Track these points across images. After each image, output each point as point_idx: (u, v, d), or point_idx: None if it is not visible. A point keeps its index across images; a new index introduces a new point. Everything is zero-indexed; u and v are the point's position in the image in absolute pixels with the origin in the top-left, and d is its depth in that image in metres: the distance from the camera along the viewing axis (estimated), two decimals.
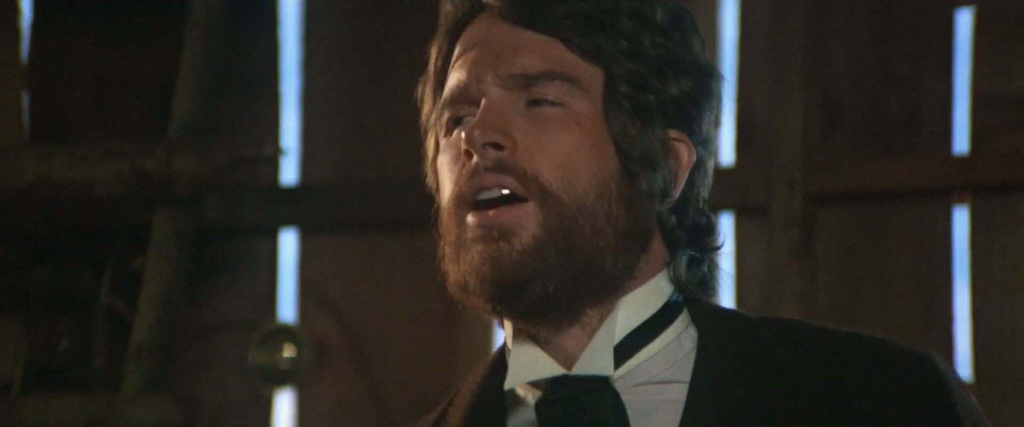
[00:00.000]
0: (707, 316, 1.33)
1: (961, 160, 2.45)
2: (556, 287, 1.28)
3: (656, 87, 1.33)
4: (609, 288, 1.31)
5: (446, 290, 2.79)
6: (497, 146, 1.30)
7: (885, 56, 2.49)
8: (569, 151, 1.30)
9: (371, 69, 2.72)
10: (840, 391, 1.27)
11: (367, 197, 2.70)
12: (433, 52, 1.38)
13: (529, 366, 1.31)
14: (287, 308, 2.71)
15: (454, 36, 1.36)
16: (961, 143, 2.46)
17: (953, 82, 2.47)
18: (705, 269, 1.35)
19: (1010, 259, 2.41)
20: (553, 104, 1.31)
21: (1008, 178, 2.41)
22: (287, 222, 2.72)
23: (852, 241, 2.48)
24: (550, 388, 1.30)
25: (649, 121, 1.32)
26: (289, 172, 2.73)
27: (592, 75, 1.32)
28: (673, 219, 1.34)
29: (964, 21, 2.46)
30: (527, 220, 1.29)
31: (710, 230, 1.35)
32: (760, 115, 2.52)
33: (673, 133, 1.34)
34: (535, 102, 1.31)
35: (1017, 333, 2.41)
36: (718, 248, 1.35)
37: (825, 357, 1.29)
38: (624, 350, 1.30)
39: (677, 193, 1.33)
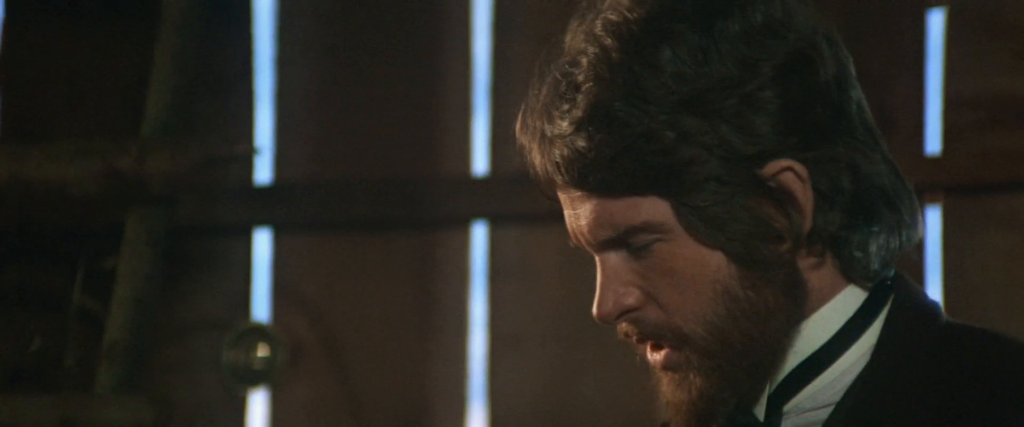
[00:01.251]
0: (895, 325, 1.31)
1: (933, 160, 2.46)
2: (738, 401, 1.31)
3: (714, 164, 1.28)
4: (788, 346, 1.31)
5: (421, 289, 2.79)
6: (627, 311, 1.31)
7: (857, 57, 2.49)
8: (682, 287, 1.29)
9: (346, 68, 2.72)
10: None
11: (342, 197, 2.69)
12: (531, 163, 1.36)
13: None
14: (261, 308, 2.71)
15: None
16: (933, 143, 2.47)
17: (925, 83, 2.47)
18: (877, 248, 1.31)
19: (982, 259, 2.42)
20: (647, 250, 1.30)
21: (980, 178, 2.42)
22: (261, 221, 2.72)
23: None
24: (731, 422, 1.34)
25: (727, 203, 1.29)
26: (263, 171, 2.73)
27: (658, 203, 1.30)
28: (821, 235, 1.30)
29: (936, 22, 2.47)
30: (689, 364, 1.31)
31: (862, 210, 1.30)
32: None
33: (770, 168, 1.29)
34: (634, 251, 1.31)
35: None
36: (879, 217, 1.30)
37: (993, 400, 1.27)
38: (797, 379, 1.31)
39: (808, 221, 1.29)
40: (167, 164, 2.43)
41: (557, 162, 1.31)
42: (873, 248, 1.32)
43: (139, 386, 2.43)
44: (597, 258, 1.33)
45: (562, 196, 1.33)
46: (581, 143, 1.30)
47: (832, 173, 1.31)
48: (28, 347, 2.64)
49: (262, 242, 2.72)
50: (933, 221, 2.45)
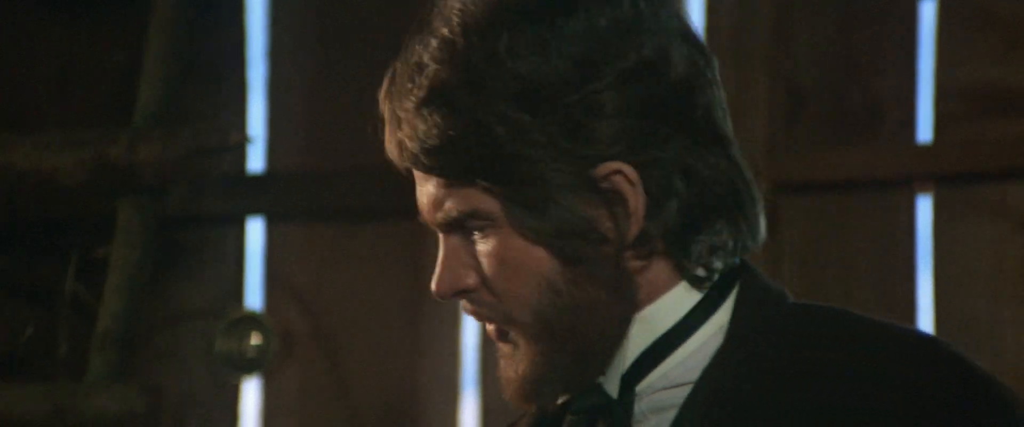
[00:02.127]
0: (743, 308, 1.33)
1: (924, 149, 2.46)
2: (566, 382, 1.33)
3: (542, 163, 1.29)
4: (618, 335, 1.33)
5: (412, 278, 2.79)
6: (461, 291, 1.34)
7: (849, 46, 2.50)
8: (509, 275, 1.32)
9: (338, 57, 2.72)
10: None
11: (334, 185, 2.69)
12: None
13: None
14: (253, 296, 2.71)
15: None
16: (924, 132, 2.48)
17: (916, 72, 2.48)
18: (717, 254, 1.32)
19: (972, 248, 2.43)
20: (479, 237, 1.33)
21: (971, 167, 2.43)
22: (253, 210, 2.72)
23: (815, 230, 2.49)
24: (587, 395, 1.35)
25: (550, 202, 1.29)
26: (255, 160, 2.73)
27: (486, 194, 1.31)
28: (657, 229, 1.32)
29: (928, 11, 2.47)
30: (517, 346, 1.33)
31: (707, 214, 1.32)
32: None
33: (601, 170, 1.29)
34: (468, 235, 1.33)
35: (979, 322, 2.42)
36: (717, 215, 1.32)
37: (839, 370, 1.28)
38: (648, 360, 1.33)
39: (636, 224, 1.30)
40: (158, 153, 2.43)
41: (401, 141, 1.33)
42: (710, 248, 1.33)
43: (131, 375, 2.43)
44: (440, 236, 1.35)
45: (415, 173, 1.35)
46: (420, 125, 1.31)
47: (664, 176, 1.31)
48: (20, 336, 2.64)
49: (254, 231, 2.73)
50: (923, 210, 2.46)
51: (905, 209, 2.47)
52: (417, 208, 1.36)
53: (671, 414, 1.32)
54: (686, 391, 1.32)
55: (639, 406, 1.33)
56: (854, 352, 1.30)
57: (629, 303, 1.32)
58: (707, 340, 1.33)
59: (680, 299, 1.33)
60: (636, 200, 1.31)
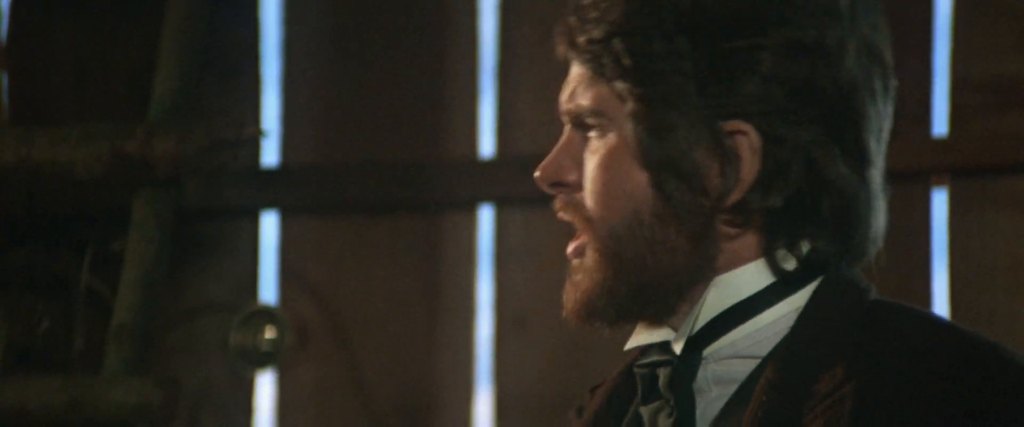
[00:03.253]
0: (822, 296, 1.33)
1: (940, 143, 2.46)
2: (619, 311, 1.35)
3: (685, 91, 1.32)
4: (684, 287, 1.34)
5: (427, 272, 2.79)
6: (555, 185, 1.37)
7: None
8: (603, 184, 1.34)
9: (353, 51, 2.72)
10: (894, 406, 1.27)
11: (348, 180, 2.69)
12: None
13: (646, 332, 1.38)
14: (268, 290, 2.72)
15: None
16: (940, 126, 2.47)
17: (932, 65, 2.47)
18: (809, 249, 1.33)
19: (989, 242, 2.42)
20: (594, 137, 1.35)
21: (987, 161, 2.42)
22: (268, 204, 2.72)
23: None
24: (654, 352, 1.38)
25: (675, 132, 1.32)
26: (270, 154, 2.73)
27: (617, 97, 1.34)
28: (759, 204, 1.33)
29: (944, 4, 2.47)
30: (589, 261, 1.36)
31: (814, 214, 1.33)
32: None
33: (729, 125, 1.32)
34: (583, 135, 1.36)
35: (995, 316, 2.42)
36: (824, 224, 1.33)
37: (905, 370, 1.29)
38: (720, 325, 1.34)
39: (740, 190, 1.32)
40: (174, 147, 2.43)
41: (569, 25, 1.36)
42: (804, 248, 1.34)
43: (147, 368, 2.44)
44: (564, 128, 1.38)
45: (569, 65, 1.38)
46: (593, 13, 1.35)
47: (786, 158, 1.32)
48: (36, 330, 2.65)
49: (269, 225, 2.73)
50: (939, 204, 2.45)
51: (921, 202, 2.46)
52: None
53: (725, 390, 1.33)
54: (746, 365, 1.33)
55: (704, 372, 1.34)
56: (923, 354, 1.30)
57: (706, 262, 1.33)
58: (780, 318, 1.33)
59: (758, 274, 1.34)
60: (750, 168, 1.32)
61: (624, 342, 1.40)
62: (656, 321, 1.36)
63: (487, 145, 2.66)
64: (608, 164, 1.34)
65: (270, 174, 2.73)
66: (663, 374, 1.35)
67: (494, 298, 2.64)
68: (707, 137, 1.32)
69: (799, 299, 1.34)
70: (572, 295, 1.37)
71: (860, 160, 1.35)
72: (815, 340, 1.32)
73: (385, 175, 2.67)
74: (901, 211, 2.47)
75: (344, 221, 2.70)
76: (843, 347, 1.31)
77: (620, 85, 1.33)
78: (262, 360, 2.67)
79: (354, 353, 2.68)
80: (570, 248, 1.37)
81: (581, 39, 1.35)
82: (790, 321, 1.34)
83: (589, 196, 1.35)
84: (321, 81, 2.73)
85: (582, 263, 1.36)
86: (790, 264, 1.34)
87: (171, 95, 2.49)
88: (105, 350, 2.45)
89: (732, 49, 1.31)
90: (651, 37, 1.32)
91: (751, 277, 1.34)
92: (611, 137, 1.34)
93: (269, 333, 2.66)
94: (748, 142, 1.32)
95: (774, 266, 1.34)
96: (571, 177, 1.36)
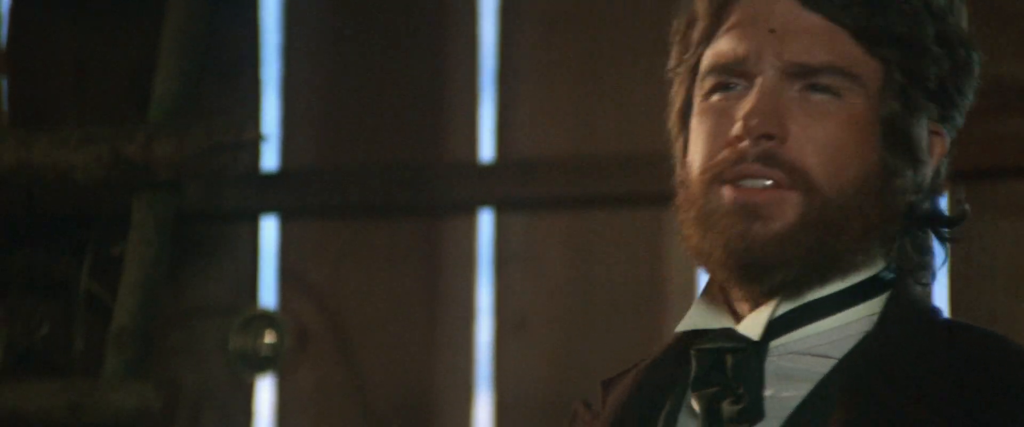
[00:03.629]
0: (899, 307, 1.34)
1: None
2: (796, 276, 1.33)
3: (930, 79, 1.35)
4: (837, 272, 1.34)
5: (427, 276, 2.78)
6: (770, 136, 1.33)
7: None
8: (839, 146, 1.33)
9: (352, 54, 2.72)
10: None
11: (348, 183, 2.69)
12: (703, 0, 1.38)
13: (704, 315, 1.36)
14: (268, 294, 2.72)
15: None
16: None
17: None
18: (926, 255, 1.36)
19: (989, 246, 2.42)
20: (830, 95, 1.33)
21: (989, 164, 2.42)
22: (268, 208, 2.72)
23: None
24: (708, 339, 1.35)
25: (919, 116, 1.34)
26: (270, 157, 2.73)
27: (871, 68, 1.34)
28: (924, 207, 1.36)
29: None
30: (788, 207, 1.32)
31: (954, 218, 1.38)
32: None
33: (933, 125, 1.36)
34: (812, 89, 1.34)
35: (996, 320, 2.42)
36: (947, 238, 1.38)
37: (989, 391, 1.30)
38: (792, 319, 1.33)
39: (928, 185, 1.36)
40: (174, 150, 2.43)
41: None
42: (916, 253, 1.38)
43: (147, 371, 2.44)
44: (757, 81, 1.34)
45: (769, 10, 1.34)
46: None
47: (944, 166, 1.39)
48: (36, 332, 2.65)
49: (269, 228, 2.73)
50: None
51: None
52: (730, 52, 1.33)
53: (796, 387, 1.31)
54: (818, 364, 1.32)
55: (768, 365, 1.32)
56: (999, 378, 1.32)
57: (875, 244, 1.33)
58: (854, 322, 1.33)
59: (872, 269, 1.33)
60: (932, 168, 1.37)
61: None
62: (752, 299, 1.33)
63: (487, 148, 2.66)
64: (851, 131, 1.32)
65: (270, 177, 2.73)
66: (731, 359, 1.32)
67: (494, 301, 2.64)
68: (926, 130, 1.35)
69: (874, 305, 1.34)
70: (745, 244, 1.31)
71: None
72: (891, 352, 1.31)
73: (385, 178, 2.67)
74: None
75: (344, 224, 2.70)
76: (922, 366, 1.31)
77: (887, 53, 1.33)
78: (262, 363, 2.67)
79: (354, 356, 2.68)
80: (745, 196, 1.31)
81: (867, 6, 1.33)
82: (865, 326, 1.33)
83: (821, 155, 1.31)
84: (321, 84, 2.73)
85: (768, 212, 1.30)
86: (881, 268, 1.34)
87: (171, 98, 2.49)
88: (105, 353, 2.44)
89: (963, 58, 1.38)
90: (920, 19, 1.34)
91: (864, 268, 1.34)
92: (858, 102, 1.33)
93: (269, 336, 2.66)
94: (941, 142, 1.37)
95: (895, 258, 1.34)
96: (783, 129, 1.32)
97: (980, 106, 2.49)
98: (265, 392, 2.70)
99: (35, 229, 2.72)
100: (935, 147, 1.36)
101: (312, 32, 2.74)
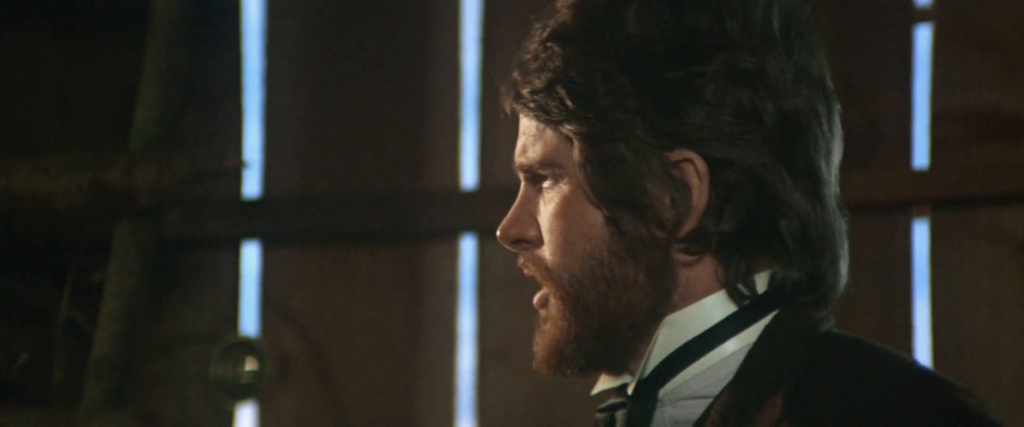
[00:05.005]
0: (772, 332, 1.33)
1: (921, 174, 2.46)
2: (587, 357, 1.35)
3: (630, 127, 1.33)
4: (643, 327, 1.34)
5: (409, 303, 2.78)
6: (519, 240, 1.37)
7: (845, 71, 2.51)
8: (559, 232, 1.35)
9: (334, 82, 2.72)
10: None
11: (330, 210, 2.69)
12: None
13: (606, 378, 1.39)
14: (249, 321, 2.71)
15: None
16: (921, 157, 2.48)
17: (913, 97, 2.48)
18: (769, 277, 1.33)
19: (970, 273, 2.43)
20: (547, 188, 1.36)
21: (968, 192, 2.43)
22: (249, 235, 2.72)
23: None
24: (602, 399, 1.39)
25: (624, 166, 1.33)
26: (252, 185, 2.73)
27: (565, 144, 1.35)
28: (713, 229, 1.33)
29: (923, 37, 2.48)
30: (554, 309, 1.37)
31: (768, 236, 1.33)
32: None
33: (675, 155, 1.33)
34: (537, 187, 1.37)
35: (977, 348, 2.42)
36: (785, 247, 1.32)
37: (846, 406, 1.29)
38: (671, 366, 1.34)
39: (692, 216, 1.32)
40: (155, 177, 2.43)
41: (514, 80, 1.38)
42: (762, 271, 1.34)
43: (126, 400, 2.43)
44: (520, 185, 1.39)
45: (516, 120, 1.39)
46: (533, 64, 1.37)
47: (735, 181, 1.33)
48: (15, 361, 2.64)
49: (250, 255, 2.72)
50: (920, 235, 2.46)
51: (902, 234, 2.47)
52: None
53: (681, 424, 1.33)
54: (704, 406, 1.33)
55: (661, 415, 1.34)
56: (863, 391, 1.30)
57: (664, 296, 1.34)
58: (731, 355, 1.33)
59: (713, 308, 1.34)
60: (700, 194, 1.33)
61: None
62: (620, 365, 1.36)
63: (469, 176, 2.66)
64: (563, 210, 1.35)
65: (251, 204, 2.73)
66: (620, 418, 1.36)
67: (476, 329, 2.64)
68: (656, 168, 1.33)
69: (751, 334, 1.34)
70: (541, 345, 1.37)
71: (812, 182, 1.34)
72: (759, 377, 1.32)
73: (367, 205, 2.67)
74: (882, 242, 2.48)
75: (326, 252, 2.70)
76: (783, 383, 1.31)
77: (566, 128, 1.34)
78: (243, 392, 2.66)
79: (335, 384, 2.68)
80: (536, 299, 1.38)
81: (525, 91, 1.36)
82: (741, 358, 1.33)
83: (548, 245, 1.35)
84: (303, 111, 2.73)
85: (548, 313, 1.37)
86: (745, 292, 1.33)
87: (152, 125, 2.49)
88: (84, 382, 2.43)
89: (672, 80, 1.32)
90: (592, 78, 1.33)
91: (705, 311, 1.34)
92: (564, 184, 1.35)
93: (250, 365, 2.65)
94: (694, 169, 1.33)
95: (732, 296, 1.33)
96: (531, 233, 1.37)
97: (960, 135, 2.51)
98: (246, 421, 2.70)
99: (15, 256, 2.71)
100: (687, 175, 1.32)
101: (294, 60, 2.74)
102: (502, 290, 2.63)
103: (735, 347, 1.33)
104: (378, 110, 2.70)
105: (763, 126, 1.33)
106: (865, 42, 2.50)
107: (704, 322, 1.34)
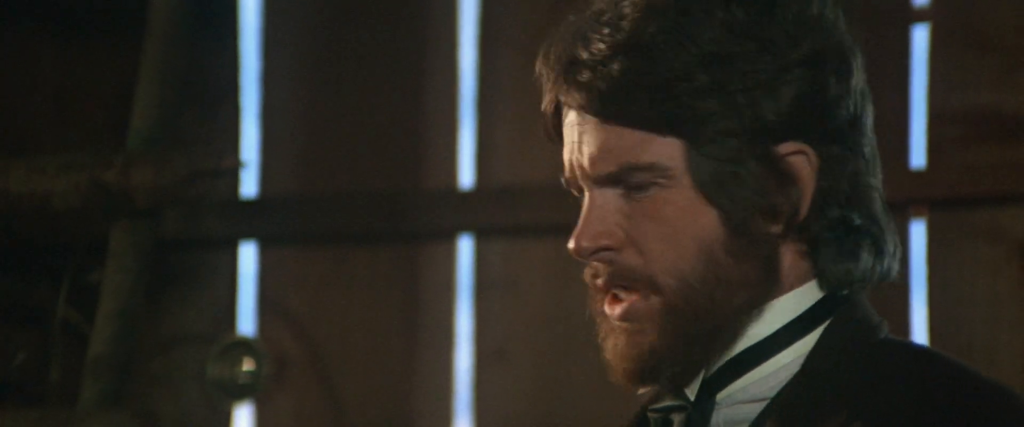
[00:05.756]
0: (834, 333, 1.32)
1: (918, 174, 2.46)
2: (684, 367, 1.33)
3: (737, 124, 1.31)
4: (744, 326, 1.33)
5: (407, 303, 2.78)
6: (605, 249, 1.33)
7: None
8: (667, 236, 1.32)
9: (332, 82, 2.72)
10: None
11: (327, 210, 2.69)
12: (545, 93, 1.37)
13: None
14: (246, 321, 2.71)
15: (558, 107, 1.37)
16: (918, 157, 2.48)
17: (910, 97, 2.48)
18: (860, 263, 1.33)
19: (967, 274, 2.43)
20: (643, 192, 1.33)
21: (965, 192, 2.43)
22: (247, 235, 2.72)
23: None
24: (666, 399, 1.36)
25: (739, 164, 1.31)
26: (249, 185, 2.73)
27: (670, 147, 1.32)
28: (811, 229, 1.33)
29: (920, 37, 2.48)
30: (653, 315, 1.32)
31: (855, 220, 1.33)
32: None
33: (785, 147, 1.32)
34: (630, 190, 1.33)
35: (974, 348, 2.42)
36: (867, 234, 1.33)
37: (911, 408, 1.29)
38: (727, 372, 1.33)
39: (805, 208, 1.32)
40: (152, 177, 2.42)
41: (584, 85, 1.32)
42: (850, 263, 1.34)
43: (124, 400, 2.42)
44: (587, 194, 1.34)
45: (570, 126, 1.34)
46: (615, 68, 1.31)
47: (837, 174, 1.33)
48: (12, 361, 2.64)
49: (247, 255, 2.72)
50: (918, 235, 2.46)
51: (899, 234, 2.46)
52: (565, 166, 1.33)
53: None
54: (756, 409, 1.32)
55: (717, 417, 1.33)
56: (928, 391, 1.30)
57: (769, 290, 1.32)
58: (792, 361, 1.33)
59: (799, 302, 1.32)
60: (809, 186, 1.32)
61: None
62: (698, 370, 1.34)
63: (467, 176, 2.66)
64: (670, 214, 1.31)
65: (249, 204, 2.72)
66: (677, 420, 1.34)
67: (473, 329, 2.64)
68: (766, 163, 1.31)
69: (811, 340, 1.33)
70: (628, 357, 1.32)
71: (877, 172, 1.36)
72: (818, 382, 1.31)
73: (364, 205, 2.67)
74: None
75: (323, 252, 2.69)
76: (847, 391, 1.30)
77: (670, 135, 1.31)
78: (240, 392, 2.66)
79: (332, 384, 2.67)
80: (619, 312, 1.32)
81: (608, 96, 1.31)
82: (798, 364, 1.33)
83: (651, 251, 1.31)
84: (301, 111, 2.73)
85: (637, 325, 1.32)
86: (816, 294, 1.33)
87: (150, 125, 2.49)
88: (82, 382, 2.43)
89: (771, 72, 1.31)
90: (689, 79, 1.31)
91: (785, 307, 1.33)
92: (672, 188, 1.32)
93: (247, 365, 2.65)
94: (805, 160, 1.32)
95: (823, 287, 1.32)
96: (615, 239, 1.32)
97: (958, 135, 2.50)
98: (243, 420, 2.69)
99: (12, 256, 2.71)
100: (797, 168, 1.31)
101: (292, 60, 2.74)
102: (499, 290, 2.63)
103: (799, 352, 1.33)
104: (376, 110, 2.70)
105: (851, 112, 1.33)
106: (862, 43, 2.50)
107: (784, 317, 1.32)
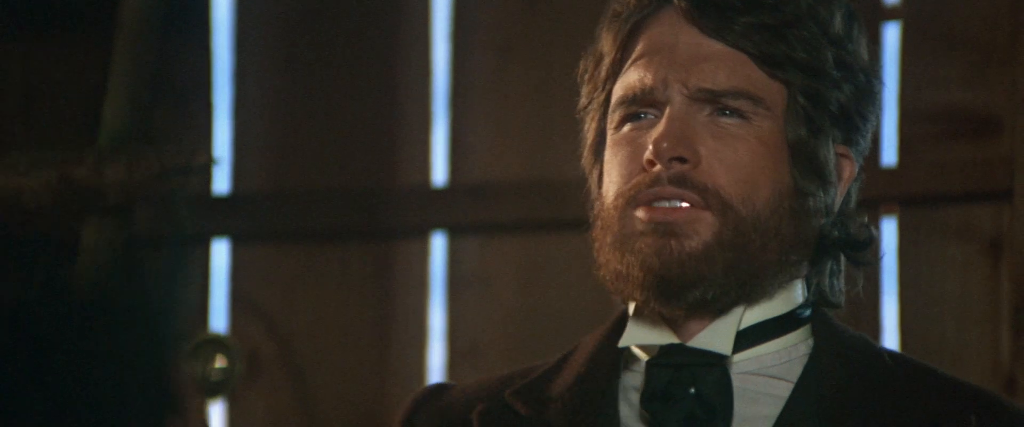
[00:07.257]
0: (827, 331, 1.38)
1: (889, 172, 2.47)
2: (714, 295, 1.35)
3: (832, 102, 1.39)
4: (760, 293, 1.36)
5: (379, 300, 2.78)
6: (682, 160, 1.36)
7: None
8: (750, 167, 1.36)
9: (304, 78, 2.72)
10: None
11: (299, 207, 2.69)
12: (608, 37, 1.41)
13: (647, 331, 1.38)
14: (218, 318, 2.70)
15: (637, 27, 1.40)
16: (889, 155, 2.49)
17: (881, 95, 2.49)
18: (839, 281, 1.40)
19: (938, 271, 2.44)
20: (738, 118, 1.37)
21: (936, 189, 2.44)
22: (219, 232, 2.71)
23: None
24: (663, 353, 1.36)
25: (824, 138, 1.38)
26: (221, 182, 2.72)
27: (775, 91, 1.37)
28: (834, 232, 1.39)
29: (891, 35, 2.49)
30: (702, 227, 1.35)
31: (863, 242, 1.40)
32: None
33: (839, 148, 1.40)
34: (720, 113, 1.37)
35: (945, 345, 2.43)
36: (866, 262, 1.40)
37: (933, 396, 1.35)
38: (745, 339, 1.36)
39: (837, 208, 1.39)
40: (124, 174, 2.42)
41: (725, 4, 1.37)
42: (833, 280, 1.42)
43: None
44: (666, 109, 1.37)
45: (672, 44, 1.37)
46: (786, 13, 1.38)
47: (854, 190, 1.42)
48: None
49: (220, 252, 2.72)
50: (889, 233, 2.47)
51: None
52: (639, 82, 1.36)
53: (761, 405, 1.34)
54: (774, 385, 1.34)
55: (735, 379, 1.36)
56: (930, 370, 1.38)
57: (796, 263, 1.37)
58: (793, 345, 1.37)
59: (791, 295, 1.38)
60: (842, 191, 1.40)
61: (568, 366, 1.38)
62: (718, 313, 1.36)
63: (440, 173, 2.66)
64: (762, 150, 1.36)
65: (221, 201, 2.72)
66: (691, 374, 1.34)
67: (446, 326, 2.64)
68: (833, 152, 1.39)
69: (804, 333, 1.39)
70: (662, 260, 1.33)
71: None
72: (839, 363, 1.35)
73: (337, 202, 2.66)
74: None
75: (295, 248, 2.69)
76: (864, 368, 1.34)
77: (789, 77, 1.37)
78: (213, 388, 2.65)
79: (305, 381, 2.67)
80: (671, 217, 1.34)
81: (744, 19, 1.36)
82: (802, 351, 1.37)
83: (729, 174, 1.35)
84: (273, 108, 2.73)
85: (689, 236, 1.34)
86: (821, 294, 1.39)
87: (121, 122, 2.48)
88: None
89: (856, 83, 1.40)
90: (820, 44, 1.38)
91: (784, 297, 1.37)
92: (765, 124, 1.36)
93: (219, 361, 2.65)
94: (849, 165, 1.40)
95: (808, 288, 1.38)
96: (695, 152, 1.36)
97: (929, 132, 2.51)
98: (215, 417, 2.69)
99: None
100: (843, 170, 1.40)
101: (263, 56, 2.73)
102: (472, 287, 2.63)
103: (802, 337, 1.38)
104: (348, 107, 2.70)
105: (870, 141, 1.42)
106: None
107: (786, 305, 1.36)
